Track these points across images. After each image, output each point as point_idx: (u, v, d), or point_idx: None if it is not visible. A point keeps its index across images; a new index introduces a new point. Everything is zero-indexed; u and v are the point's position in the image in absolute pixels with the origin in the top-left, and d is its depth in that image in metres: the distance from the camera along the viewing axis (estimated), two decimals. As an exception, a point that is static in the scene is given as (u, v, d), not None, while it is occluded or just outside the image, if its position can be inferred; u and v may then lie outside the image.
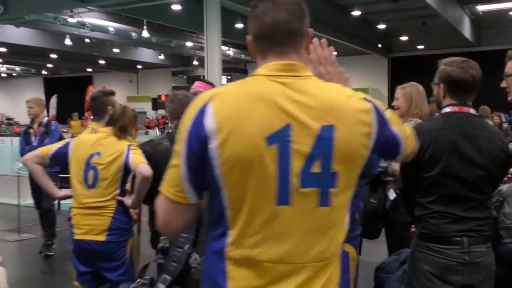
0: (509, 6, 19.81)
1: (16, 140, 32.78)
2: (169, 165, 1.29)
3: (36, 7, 16.26)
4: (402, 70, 29.20)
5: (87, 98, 36.38)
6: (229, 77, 30.20)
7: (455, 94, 2.36)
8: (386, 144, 1.35)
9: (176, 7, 17.67)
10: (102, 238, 2.95)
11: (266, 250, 1.22)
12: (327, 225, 1.26)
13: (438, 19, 19.91)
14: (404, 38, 27.03)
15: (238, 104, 1.23)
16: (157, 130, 25.54)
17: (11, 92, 44.60)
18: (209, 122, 1.21)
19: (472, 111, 2.37)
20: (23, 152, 5.81)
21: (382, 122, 1.32)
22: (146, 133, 30.49)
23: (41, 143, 5.74)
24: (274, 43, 1.31)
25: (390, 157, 1.46)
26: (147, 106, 37.13)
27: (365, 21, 23.54)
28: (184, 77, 39.81)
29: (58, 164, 3.26)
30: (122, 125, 3.05)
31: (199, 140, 1.22)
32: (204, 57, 14.76)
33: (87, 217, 2.98)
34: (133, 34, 22.40)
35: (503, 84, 2.64)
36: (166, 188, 1.28)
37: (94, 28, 21.01)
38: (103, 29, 21.65)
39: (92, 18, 20.27)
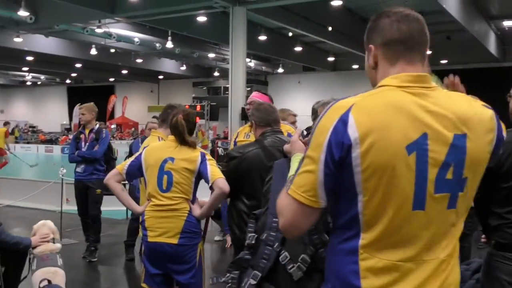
0: (536, 22, 19.59)
1: (42, 148, 33.19)
2: (302, 170, 1.34)
3: (66, 17, 16.64)
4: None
5: (109, 107, 36.95)
6: (249, 88, 30.39)
7: None
8: (498, 147, 1.43)
9: (201, 18, 17.90)
10: (175, 240, 3.02)
11: (398, 252, 1.31)
12: (452, 224, 1.37)
13: (463, 34, 19.80)
14: (428, 52, 26.88)
15: (379, 114, 1.30)
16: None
17: (35, 101, 45.47)
18: (352, 131, 1.27)
19: None
20: (72, 157, 5.96)
21: (499, 127, 1.42)
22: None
23: (90, 150, 5.92)
24: (407, 49, 1.40)
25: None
26: (167, 116, 37.58)
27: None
28: (204, 88, 40.21)
29: (134, 177, 3.34)
30: (177, 135, 3.13)
31: (341, 148, 1.28)
32: (229, 68, 14.88)
33: (161, 219, 3.04)
34: (157, 44, 22.71)
35: None
36: (299, 192, 1.33)
37: (120, 38, 21.39)
38: (129, 40, 22.03)
39: (118, 29, 20.66)
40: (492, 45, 23.24)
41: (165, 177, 3.05)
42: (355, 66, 30.89)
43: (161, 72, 34.97)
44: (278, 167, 1.94)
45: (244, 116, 13.49)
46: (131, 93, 39.71)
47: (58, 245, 3.75)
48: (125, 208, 7.93)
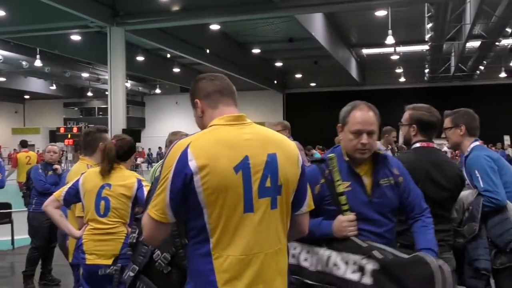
0: (389, 51, 22.14)
1: None
2: (156, 194, 1.71)
3: None
4: (296, 105, 31.03)
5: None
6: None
7: (425, 133, 2.87)
8: (303, 165, 1.89)
9: (75, 37, 17.28)
10: (110, 262, 3.09)
11: (239, 247, 1.68)
12: (277, 222, 1.77)
13: (329, 60, 21.64)
14: (298, 75, 28.82)
15: (211, 148, 1.70)
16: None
17: None
18: (192, 163, 1.65)
19: (435, 145, 2.92)
20: None
21: (299, 152, 1.92)
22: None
23: None
24: (223, 95, 1.87)
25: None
26: (35, 139, 34.93)
27: (263, 59, 24.80)
28: (76, 108, 38.38)
29: (72, 203, 3.26)
30: (101, 161, 3.18)
31: (183, 177, 1.65)
32: (108, 89, 14.56)
33: (99, 243, 3.11)
34: (24, 63, 21.29)
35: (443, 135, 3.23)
36: (153, 211, 1.71)
37: (-21, 55, 19.71)
38: (-10, 57, 20.37)
39: (-23, 45, 19.02)
40: (353, 71, 25.68)
41: (103, 202, 3.13)
42: (232, 88, 31.97)
43: (28, 92, 32.71)
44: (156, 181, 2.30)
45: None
46: (-9, 114, 36.45)
47: None
48: (10, 238, 7.50)
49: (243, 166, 1.68)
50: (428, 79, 26.28)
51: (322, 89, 30.60)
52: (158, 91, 32.41)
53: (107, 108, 34.92)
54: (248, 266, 1.68)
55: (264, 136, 1.79)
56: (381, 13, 15.66)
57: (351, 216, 2.19)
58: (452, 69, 23.20)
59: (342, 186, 2.23)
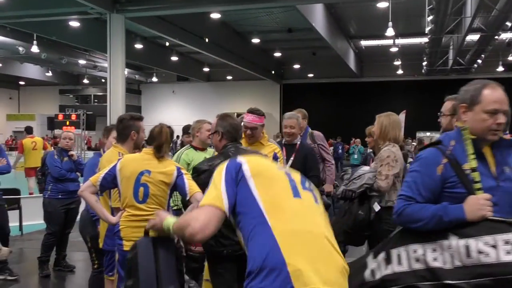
0: (388, 43, 22.17)
1: None
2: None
3: None
4: (292, 96, 31.02)
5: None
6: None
7: None
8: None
9: (74, 24, 17.17)
10: None
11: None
12: None
13: (327, 51, 21.65)
14: (296, 66, 28.82)
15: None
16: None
17: None
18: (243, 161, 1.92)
19: None
20: None
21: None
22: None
23: None
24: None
25: None
26: (31, 125, 34.83)
27: (262, 49, 24.77)
28: (72, 96, 38.16)
29: (108, 188, 3.27)
30: (158, 144, 3.21)
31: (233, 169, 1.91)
32: (107, 77, 14.51)
33: (137, 229, 3.10)
34: (21, 48, 21.12)
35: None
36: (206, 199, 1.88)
37: (-26, 40, 19.54)
38: (-15, 42, 20.20)
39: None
40: (352, 62, 25.70)
41: (141, 189, 3.15)
42: (229, 77, 31.92)
43: (23, 78, 32.50)
44: (142, 245, 2.48)
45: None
46: (-15, 100, 36.20)
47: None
48: (18, 224, 7.55)
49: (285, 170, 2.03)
50: (425, 72, 26.37)
51: (319, 80, 30.64)
52: (155, 79, 32.31)
53: (103, 95, 34.76)
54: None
55: None
56: (382, 4, 15.67)
57: (486, 194, 1.99)
58: (450, 62, 23.27)
59: (475, 162, 2.04)
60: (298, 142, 4.71)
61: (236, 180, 1.85)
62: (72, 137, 5.74)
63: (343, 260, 1.77)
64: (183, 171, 3.24)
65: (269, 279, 1.62)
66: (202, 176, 2.98)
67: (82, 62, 25.73)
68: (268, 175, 1.90)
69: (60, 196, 5.59)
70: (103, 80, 31.41)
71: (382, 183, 3.57)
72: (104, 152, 4.11)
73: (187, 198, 3.11)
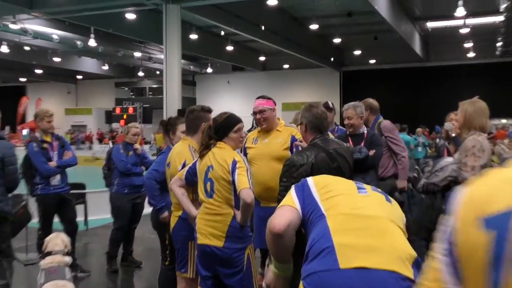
0: (458, 23, 21.28)
1: None
2: None
3: (-22, 12, 15.81)
4: (353, 83, 30.56)
5: (19, 109, 35.12)
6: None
7: None
8: None
9: (130, 16, 17.69)
10: (220, 243, 3.20)
11: None
12: None
13: (390, 34, 21.07)
14: (356, 52, 28.28)
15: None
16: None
17: None
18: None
19: None
20: (49, 169, 5.39)
21: None
22: (90, 148, 29.82)
23: (60, 158, 5.52)
24: None
25: None
26: (87, 119, 36.28)
27: (320, 35, 24.48)
28: (126, 88, 39.39)
29: (192, 183, 3.46)
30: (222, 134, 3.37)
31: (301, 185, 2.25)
32: (163, 68, 14.88)
33: (208, 223, 3.25)
34: (79, 42, 22.02)
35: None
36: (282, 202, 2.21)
37: (37, 35, 20.54)
38: (47, 37, 21.19)
39: (35, 25, 19.82)
40: (417, 46, 24.90)
41: (208, 184, 3.28)
42: (286, 66, 31.82)
43: (80, 72, 33.90)
44: None
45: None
46: (45, 95, 38.02)
47: (67, 258, 3.69)
48: (83, 219, 7.87)
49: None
50: (500, 54, 25.14)
51: (382, 66, 29.95)
52: (209, 70, 32.76)
53: (158, 88, 35.59)
54: None
55: None
56: (451, -18, 15.06)
57: None
58: (528, 42, 22.09)
59: None
60: (365, 131, 4.79)
61: (303, 190, 2.14)
62: (139, 132, 5.93)
63: (409, 248, 1.85)
64: (238, 165, 3.21)
65: (318, 259, 1.82)
66: (301, 170, 3.06)
67: (137, 54, 26.48)
68: (330, 181, 2.19)
69: (126, 191, 5.78)
70: (157, 72, 32.23)
71: (468, 175, 3.42)
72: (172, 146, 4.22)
73: (238, 192, 3.15)
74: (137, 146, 5.91)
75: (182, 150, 3.67)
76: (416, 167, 5.02)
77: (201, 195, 3.33)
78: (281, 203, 2.10)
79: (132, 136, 5.87)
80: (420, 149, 16.39)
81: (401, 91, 29.60)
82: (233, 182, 3.20)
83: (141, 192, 5.80)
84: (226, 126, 3.38)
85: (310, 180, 2.18)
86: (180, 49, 14.78)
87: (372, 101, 5.48)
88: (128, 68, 34.96)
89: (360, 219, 1.89)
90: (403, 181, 5.08)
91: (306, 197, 2.08)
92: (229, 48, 25.42)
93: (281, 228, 1.93)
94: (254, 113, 4.15)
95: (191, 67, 31.85)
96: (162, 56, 17.15)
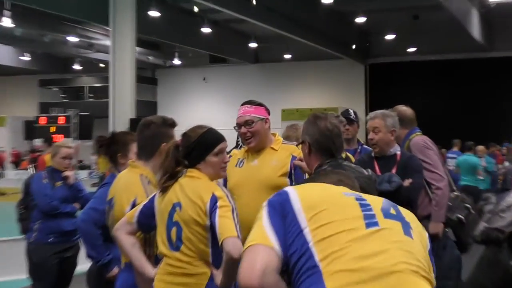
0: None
1: None
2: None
3: None
4: (384, 80, 30.65)
5: None
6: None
7: None
8: None
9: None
10: None
11: None
12: None
13: (437, 13, 21.29)
14: (389, 37, 28.46)
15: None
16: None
17: None
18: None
19: None
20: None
21: None
22: (0, 175, 29.54)
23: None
24: None
25: None
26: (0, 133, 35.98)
27: (337, 12, 24.66)
28: (55, 88, 39.20)
29: (148, 228, 3.41)
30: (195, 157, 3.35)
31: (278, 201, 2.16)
32: (110, 60, 14.94)
33: (171, 286, 3.20)
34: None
35: None
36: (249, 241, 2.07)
37: None
38: None
39: None
40: (475, 29, 25.11)
41: (174, 230, 3.22)
42: (287, 56, 31.95)
43: (-12, 65, 33.83)
44: None
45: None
46: None
47: None
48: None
49: (356, 196, 2.18)
50: None
51: (424, 57, 30.16)
52: (177, 62, 32.84)
53: (102, 88, 35.46)
54: None
55: None
56: None
57: None
58: None
59: None
60: (398, 152, 4.79)
61: (282, 214, 2.08)
62: (72, 154, 5.91)
63: None
64: (220, 203, 3.19)
65: None
66: None
67: (72, 39, 26.49)
68: (324, 197, 2.14)
69: (51, 239, 5.72)
70: (101, 65, 32.19)
71: None
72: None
73: (220, 243, 3.11)
74: (68, 173, 5.88)
75: (131, 182, 3.65)
76: (467, 204, 5.02)
77: (162, 246, 3.28)
78: (249, 240, 2.03)
79: (62, 159, 5.84)
80: (482, 176, 16.16)
81: (451, 92, 29.76)
82: (211, 228, 3.16)
83: (73, 242, 5.78)
84: (203, 146, 3.36)
85: (294, 195, 2.13)
86: (135, 32, 14.86)
87: (404, 109, 5.51)
88: (58, 59, 34.98)
89: (371, 280, 1.87)
90: (437, 225, 5.04)
91: (289, 226, 2.03)
92: (206, 30, 25.51)
93: (254, 283, 1.90)
94: (238, 125, 4.14)
95: (151, 58, 31.90)
96: (108, 43, 17.16)
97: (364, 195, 2.17)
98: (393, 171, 4.53)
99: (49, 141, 12.17)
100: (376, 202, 2.13)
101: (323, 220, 2.01)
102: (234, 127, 4.30)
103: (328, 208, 2.05)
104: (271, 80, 32.57)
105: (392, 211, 2.11)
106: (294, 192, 2.14)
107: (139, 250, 3.41)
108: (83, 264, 4.78)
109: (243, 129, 4.15)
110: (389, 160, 4.73)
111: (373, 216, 2.04)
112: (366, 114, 5.63)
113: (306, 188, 2.23)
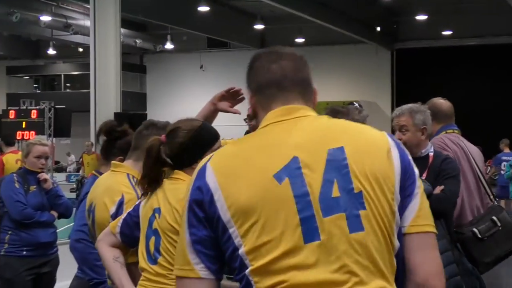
0: None
1: None
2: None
3: None
4: (414, 68, 30.64)
5: None
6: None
7: None
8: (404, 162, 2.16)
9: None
10: None
11: None
12: (369, 254, 2.00)
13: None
14: (420, 17, 28.44)
15: (236, 156, 2.07)
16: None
17: None
18: (210, 180, 1.99)
19: None
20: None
21: (397, 143, 2.18)
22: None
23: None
24: (284, 90, 2.17)
25: None
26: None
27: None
28: (26, 77, 39.26)
29: (133, 240, 3.42)
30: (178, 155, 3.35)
31: (200, 202, 2.01)
32: (91, 43, 15.00)
33: None
34: None
35: None
36: (176, 267, 2.08)
37: None
38: None
39: None
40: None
41: (152, 239, 3.27)
42: (299, 40, 31.97)
43: None
44: None
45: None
46: None
47: None
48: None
49: (290, 172, 1.98)
50: None
51: (463, 41, 30.16)
52: (169, 46, 32.80)
53: (80, 76, 35.47)
54: None
55: (325, 128, 2.14)
56: None
57: None
58: None
59: None
60: (430, 153, 4.79)
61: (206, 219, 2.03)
62: (48, 152, 5.93)
63: None
64: None
65: None
66: None
67: (45, 19, 26.52)
68: (258, 215, 2.00)
69: (25, 253, 5.76)
70: (80, 50, 32.27)
71: None
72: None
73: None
74: (45, 176, 5.92)
75: (114, 181, 3.69)
76: (496, 216, 5.01)
77: (141, 259, 3.31)
78: (175, 263, 2.10)
79: (36, 159, 5.86)
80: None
81: (495, 84, 29.73)
82: None
83: (51, 255, 5.82)
84: (199, 144, 3.37)
85: (216, 190, 2.00)
86: (119, 10, 14.90)
87: (440, 102, 5.50)
88: (29, 43, 35.05)
89: None
90: None
91: (220, 237, 2.00)
92: (203, 8, 25.53)
93: None
94: (249, 118, 4.13)
95: (138, 41, 31.91)
96: (87, 23, 17.22)
97: (301, 159, 2.01)
98: (424, 176, 4.51)
99: (9, 138, 12.14)
100: (315, 180, 1.99)
101: (258, 239, 1.96)
102: (245, 119, 4.27)
103: (261, 218, 1.97)
104: (280, 68, 32.56)
105: (335, 191, 1.99)
106: (215, 185, 2.00)
107: (122, 265, 3.44)
108: (62, 281, 4.77)
109: (254, 122, 4.14)
110: (420, 162, 4.59)
111: (311, 218, 1.97)
112: (393, 109, 5.63)
113: (229, 176, 2.02)
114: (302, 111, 2.13)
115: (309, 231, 1.93)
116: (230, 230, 1.95)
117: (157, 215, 3.26)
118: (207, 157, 2.11)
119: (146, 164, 3.37)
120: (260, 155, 2.01)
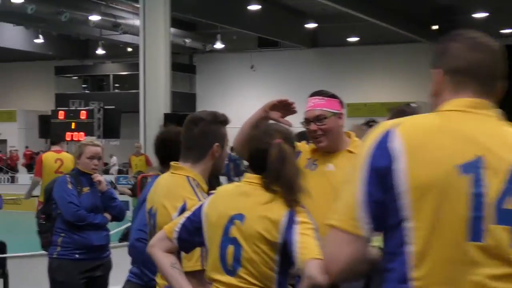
0: None
1: None
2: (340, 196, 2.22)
3: None
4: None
5: None
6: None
7: None
8: None
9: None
10: None
11: None
12: None
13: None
14: (479, 15, 28.12)
15: (427, 131, 2.12)
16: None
17: None
18: (397, 144, 2.05)
19: None
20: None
21: None
22: (11, 179, 29.97)
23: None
24: (474, 81, 2.20)
25: None
26: (7, 130, 36.52)
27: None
28: (75, 77, 39.59)
29: (191, 245, 3.36)
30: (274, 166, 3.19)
31: (382, 163, 2.06)
32: (140, 43, 15.11)
33: None
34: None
35: None
36: (334, 217, 2.16)
37: None
38: None
39: None
40: None
41: (230, 248, 3.15)
42: (352, 39, 31.81)
43: (-3, 48, 34.40)
44: None
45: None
46: None
47: None
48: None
49: (474, 170, 2.02)
50: None
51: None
52: (219, 45, 32.88)
53: (130, 76, 35.76)
54: None
55: (510, 136, 2.14)
56: None
57: None
58: None
59: None
60: None
61: (382, 184, 2.10)
62: (100, 153, 5.98)
63: None
64: (298, 217, 3.09)
65: None
66: None
67: (94, 18, 26.79)
68: (433, 193, 2.06)
69: (77, 256, 5.80)
70: (129, 50, 32.52)
71: None
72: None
73: (297, 268, 3.01)
74: (98, 177, 5.95)
75: (175, 185, 3.65)
76: None
77: (213, 267, 3.22)
78: (334, 213, 2.20)
79: (89, 160, 5.90)
80: None
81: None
82: (285, 247, 3.09)
83: (104, 259, 5.87)
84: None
85: (404, 164, 2.08)
86: (169, 9, 14.99)
87: None
88: (78, 42, 35.33)
89: None
90: None
91: (387, 206, 2.11)
92: (254, 7, 25.56)
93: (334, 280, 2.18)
94: (307, 121, 4.07)
95: (188, 40, 32.04)
96: (137, 22, 17.37)
97: (486, 160, 2.07)
98: None
99: (54, 137, 12.32)
100: (494, 185, 2.05)
101: (426, 220, 2.03)
102: (302, 122, 4.20)
103: (434, 198, 2.05)
104: (332, 68, 32.46)
105: (510, 203, 2.06)
106: (401, 153, 2.07)
107: (180, 272, 3.36)
108: (114, 285, 4.80)
109: (313, 126, 4.04)
110: None
111: (480, 219, 2.03)
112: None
113: (417, 148, 2.09)
114: (489, 109, 2.17)
115: (475, 231, 1.99)
116: (403, 201, 2.02)
117: (237, 222, 3.14)
118: (389, 122, 2.19)
119: (278, 168, 3.17)
120: (450, 140, 2.07)
